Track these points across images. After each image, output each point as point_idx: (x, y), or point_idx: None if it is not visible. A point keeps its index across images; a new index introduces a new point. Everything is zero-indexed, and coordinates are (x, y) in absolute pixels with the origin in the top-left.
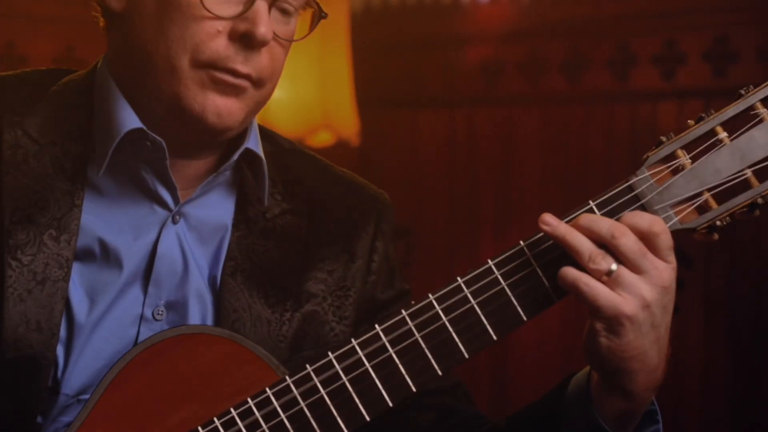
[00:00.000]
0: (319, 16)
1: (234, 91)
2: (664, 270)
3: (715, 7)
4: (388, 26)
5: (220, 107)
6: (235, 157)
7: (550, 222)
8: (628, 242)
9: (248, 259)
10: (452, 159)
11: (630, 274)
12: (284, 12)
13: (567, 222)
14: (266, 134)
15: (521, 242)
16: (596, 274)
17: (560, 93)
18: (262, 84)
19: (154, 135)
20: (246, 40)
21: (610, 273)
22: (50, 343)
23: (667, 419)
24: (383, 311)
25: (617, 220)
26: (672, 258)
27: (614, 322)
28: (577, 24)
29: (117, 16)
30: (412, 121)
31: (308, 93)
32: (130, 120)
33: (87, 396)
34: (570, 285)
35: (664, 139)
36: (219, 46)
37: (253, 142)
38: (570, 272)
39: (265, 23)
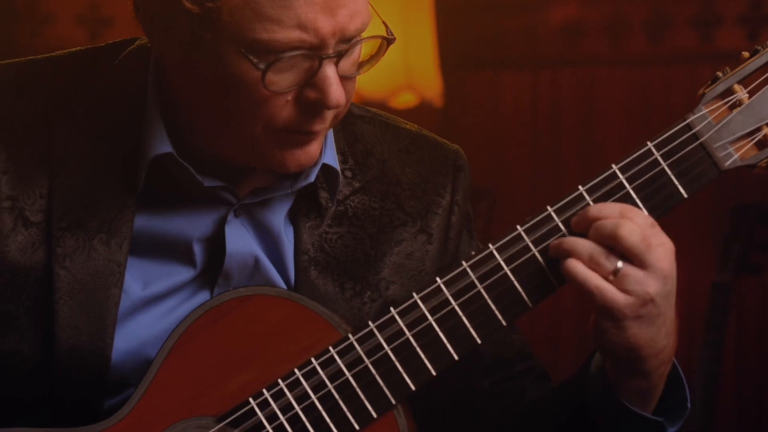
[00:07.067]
0: (387, 43)
1: (314, 139)
2: (664, 258)
3: None
4: None
5: (302, 158)
6: (312, 178)
7: None
8: (633, 238)
9: (321, 250)
10: (534, 120)
11: (636, 272)
12: (350, 54)
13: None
14: None
15: (580, 187)
16: (602, 274)
17: (643, 54)
18: (339, 114)
19: (182, 161)
20: (318, 107)
21: (616, 272)
22: (104, 353)
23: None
24: None
25: (582, 214)
26: (661, 235)
27: (621, 320)
28: None
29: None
30: (494, 83)
31: (391, 54)
32: (159, 143)
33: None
34: (579, 284)
35: (720, 74)
36: (291, 115)
37: (330, 155)
38: (579, 269)
39: (335, 88)
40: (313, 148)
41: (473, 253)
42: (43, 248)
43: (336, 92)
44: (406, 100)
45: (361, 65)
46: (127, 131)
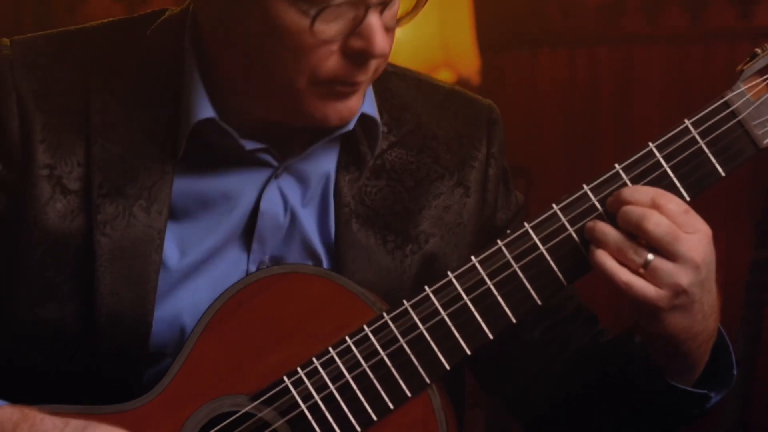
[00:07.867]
0: None
1: (355, 91)
2: (695, 248)
3: None
4: None
5: (343, 111)
6: (352, 125)
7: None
8: (659, 231)
9: (361, 203)
10: (572, 98)
11: (666, 264)
12: (392, 5)
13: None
14: None
15: (616, 165)
16: (631, 267)
17: (681, 31)
18: (379, 67)
19: (225, 126)
20: (363, 56)
21: (646, 265)
22: (145, 320)
23: None
24: (502, 233)
25: (616, 195)
26: (695, 222)
27: (654, 313)
28: None
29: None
30: (531, 61)
31: (429, 31)
32: (202, 108)
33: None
34: (608, 279)
35: (758, 51)
36: (336, 65)
37: (369, 104)
38: (608, 263)
39: (380, 37)
40: (354, 101)
41: (508, 231)
42: (82, 216)
43: (381, 40)
44: (443, 77)
45: (400, 19)
46: (164, 98)
